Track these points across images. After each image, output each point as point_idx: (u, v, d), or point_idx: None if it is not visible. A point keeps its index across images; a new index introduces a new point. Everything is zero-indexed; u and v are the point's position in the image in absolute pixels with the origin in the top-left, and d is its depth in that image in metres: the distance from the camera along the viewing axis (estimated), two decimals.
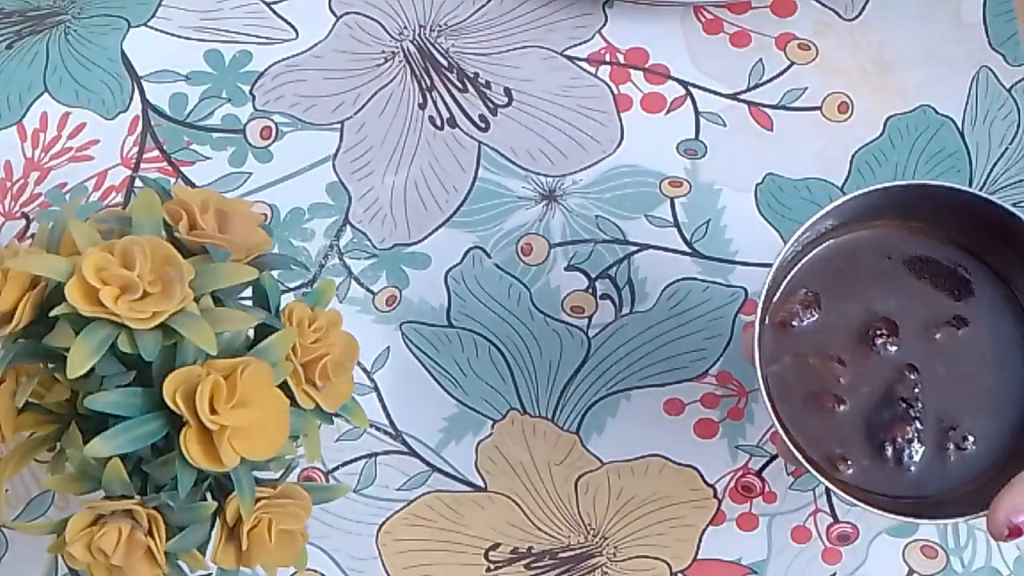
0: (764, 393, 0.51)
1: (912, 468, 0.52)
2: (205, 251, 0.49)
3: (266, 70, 0.68)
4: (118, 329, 0.45)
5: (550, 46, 0.68)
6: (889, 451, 0.52)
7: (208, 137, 0.67)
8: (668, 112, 0.67)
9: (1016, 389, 0.53)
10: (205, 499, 0.49)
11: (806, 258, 0.54)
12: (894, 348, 0.53)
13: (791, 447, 0.51)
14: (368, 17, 0.69)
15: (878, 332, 0.53)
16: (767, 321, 0.53)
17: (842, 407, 0.52)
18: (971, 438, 0.52)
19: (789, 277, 0.54)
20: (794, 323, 0.53)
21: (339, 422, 0.61)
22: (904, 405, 0.52)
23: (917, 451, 0.52)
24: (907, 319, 0.53)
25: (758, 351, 0.51)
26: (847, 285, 0.54)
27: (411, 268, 0.65)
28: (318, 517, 0.61)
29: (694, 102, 0.67)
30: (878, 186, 0.52)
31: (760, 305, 0.51)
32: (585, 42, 0.68)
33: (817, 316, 0.53)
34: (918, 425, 0.52)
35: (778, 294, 0.54)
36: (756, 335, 0.51)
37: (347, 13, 0.69)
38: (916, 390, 0.52)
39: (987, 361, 0.53)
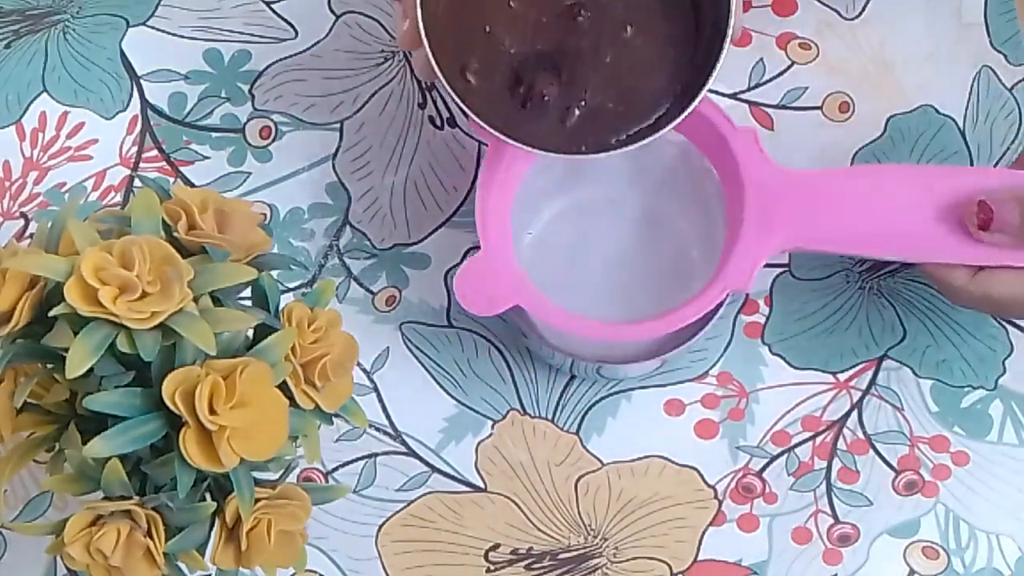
0: None
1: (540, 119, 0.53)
2: (204, 251, 0.49)
3: (265, 69, 0.68)
4: (117, 329, 0.45)
5: None
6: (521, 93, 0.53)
7: (207, 137, 0.67)
8: None
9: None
10: (204, 499, 0.49)
11: None
12: None
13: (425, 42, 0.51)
14: (368, 16, 0.69)
15: None
16: None
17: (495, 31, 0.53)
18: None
19: None
20: None
21: (339, 422, 0.61)
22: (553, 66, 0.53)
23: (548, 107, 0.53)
24: None
25: None
26: None
27: (411, 268, 0.65)
28: (318, 518, 0.61)
29: None
30: None
31: None
32: None
33: None
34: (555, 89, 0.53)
35: None
36: None
37: (347, 12, 0.69)
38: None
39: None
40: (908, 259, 0.56)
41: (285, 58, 0.68)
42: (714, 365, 0.63)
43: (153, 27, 0.68)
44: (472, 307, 0.55)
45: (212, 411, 0.45)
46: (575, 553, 0.61)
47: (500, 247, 0.55)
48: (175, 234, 0.49)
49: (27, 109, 0.67)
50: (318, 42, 0.68)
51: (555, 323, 0.55)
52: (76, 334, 0.45)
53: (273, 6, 0.69)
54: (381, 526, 0.62)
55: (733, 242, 0.55)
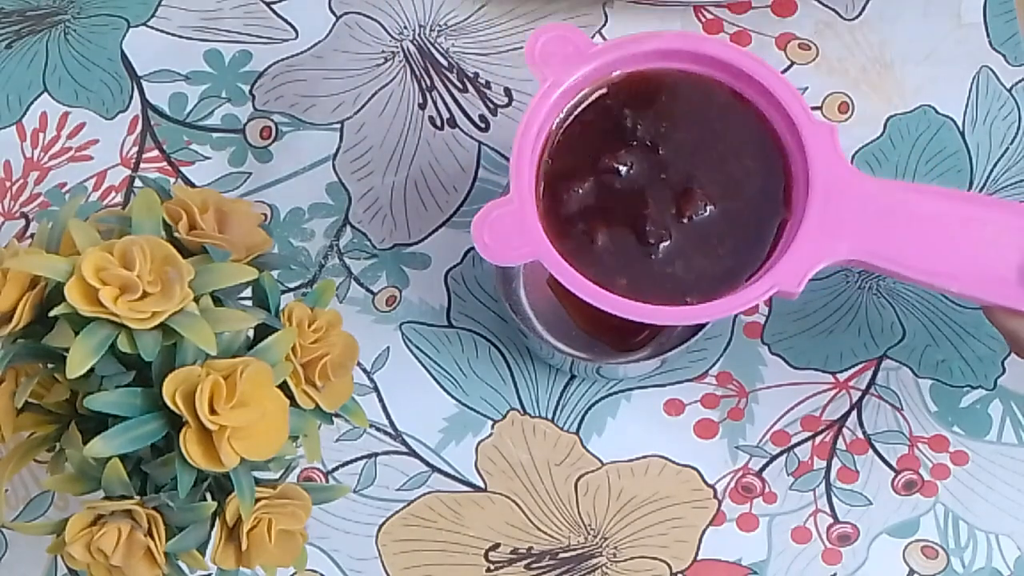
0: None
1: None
2: (205, 251, 0.49)
3: (266, 70, 0.68)
4: (118, 329, 0.45)
5: None
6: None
7: (208, 137, 0.67)
8: None
9: None
10: (205, 499, 0.49)
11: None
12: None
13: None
14: (368, 17, 0.69)
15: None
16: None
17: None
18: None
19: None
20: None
21: (339, 422, 0.61)
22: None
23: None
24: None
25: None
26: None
27: (411, 268, 0.65)
28: (318, 517, 0.61)
29: None
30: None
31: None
32: None
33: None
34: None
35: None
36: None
37: (347, 13, 0.69)
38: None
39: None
40: (981, 301, 0.52)
41: (285, 58, 0.68)
42: (714, 365, 0.64)
43: (154, 27, 0.69)
44: (491, 254, 0.51)
45: (212, 411, 0.45)
46: (575, 552, 0.61)
47: (530, 196, 0.51)
48: (176, 234, 0.49)
49: (28, 109, 0.67)
50: (318, 42, 0.68)
51: (577, 289, 0.51)
52: (77, 334, 0.45)
53: (273, 7, 0.69)
54: (381, 526, 0.62)
55: (789, 240, 0.51)
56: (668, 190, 0.52)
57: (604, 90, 0.54)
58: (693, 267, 0.52)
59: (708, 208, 0.52)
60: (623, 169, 0.53)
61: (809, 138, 0.52)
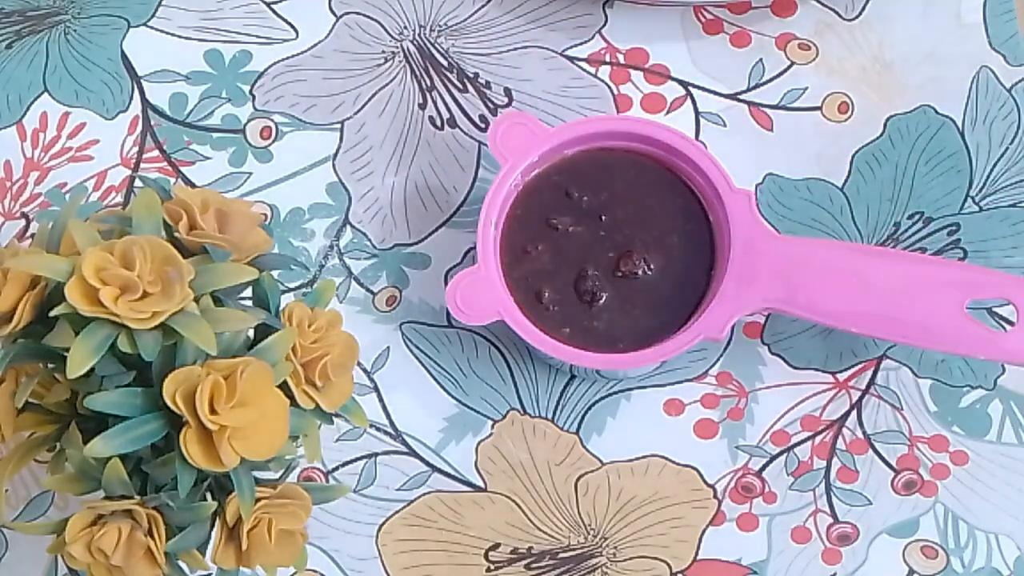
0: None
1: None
2: (205, 251, 0.49)
3: (266, 70, 0.68)
4: (118, 329, 0.45)
5: (550, 46, 0.68)
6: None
7: (208, 137, 0.67)
8: (668, 112, 0.67)
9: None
10: (205, 499, 0.49)
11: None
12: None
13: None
14: (368, 17, 0.69)
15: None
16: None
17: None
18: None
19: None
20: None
21: (339, 422, 0.61)
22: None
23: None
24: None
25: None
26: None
27: (411, 268, 0.65)
28: (318, 517, 0.61)
29: (694, 102, 0.67)
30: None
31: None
32: (585, 42, 0.68)
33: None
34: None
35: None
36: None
37: (347, 13, 0.69)
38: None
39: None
40: (880, 339, 0.61)
41: (286, 59, 0.68)
42: (713, 365, 0.64)
43: (154, 28, 0.69)
44: (464, 317, 0.58)
45: (213, 411, 0.45)
46: (575, 552, 0.61)
47: (494, 264, 0.59)
48: (176, 234, 0.49)
49: (28, 109, 0.67)
50: (319, 43, 0.68)
51: (532, 342, 0.59)
52: (77, 334, 0.45)
53: (273, 7, 0.69)
54: (381, 525, 0.62)
55: (714, 292, 0.58)
56: (609, 252, 0.60)
57: (556, 167, 0.61)
58: (631, 319, 0.59)
59: (643, 269, 0.60)
60: (570, 231, 0.60)
61: (730, 204, 0.59)
